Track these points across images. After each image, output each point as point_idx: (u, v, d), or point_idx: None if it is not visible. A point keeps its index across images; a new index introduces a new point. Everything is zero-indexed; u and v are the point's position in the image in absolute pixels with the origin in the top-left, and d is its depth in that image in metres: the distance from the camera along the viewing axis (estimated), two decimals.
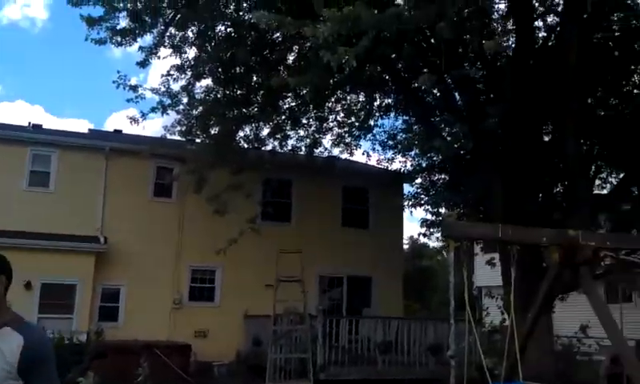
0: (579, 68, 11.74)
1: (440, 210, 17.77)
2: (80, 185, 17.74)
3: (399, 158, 18.83)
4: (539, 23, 14.54)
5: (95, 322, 16.66)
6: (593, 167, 15.08)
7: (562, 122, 12.53)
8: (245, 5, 14.24)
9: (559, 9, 13.70)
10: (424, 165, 18.26)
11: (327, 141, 18.45)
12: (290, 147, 17.77)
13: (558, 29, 13.52)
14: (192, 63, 14.85)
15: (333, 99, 16.94)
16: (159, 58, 14.66)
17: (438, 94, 14.57)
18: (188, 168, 15.76)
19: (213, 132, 15.74)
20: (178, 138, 16.20)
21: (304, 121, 17.41)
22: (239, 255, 16.33)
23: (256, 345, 16.25)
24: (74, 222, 17.21)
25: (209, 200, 14.74)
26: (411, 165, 18.64)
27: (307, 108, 16.61)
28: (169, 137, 16.09)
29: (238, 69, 14.53)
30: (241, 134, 16.61)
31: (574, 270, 7.33)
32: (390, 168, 19.30)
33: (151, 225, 18.03)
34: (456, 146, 13.40)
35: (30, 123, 20.65)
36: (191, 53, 15.06)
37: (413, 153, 18.15)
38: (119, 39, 13.61)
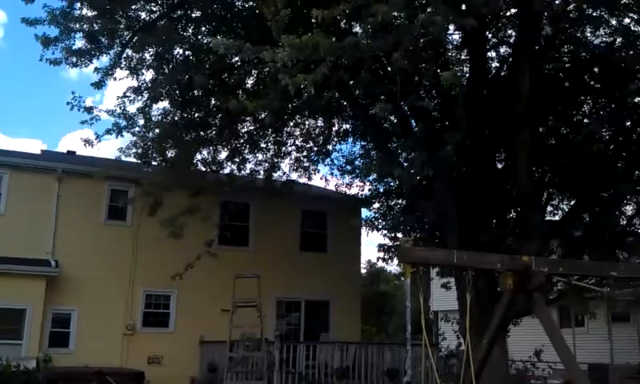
0: (531, 98, 12.07)
1: (397, 235, 17.93)
2: (31, 207, 17.25)
3: (357, 182, 18.98)
4: (492, 54, 14.97)
5: (45, 349, 16.13)
6: (545, 194, 15.46)
7: (515, 150, 12.83)
8: (203, 29, 14.26)
9: (511, 40, 14.12)
10: (381, 190, 18.44)
11: (286, 165, 18.49)
12: (248, 171, 17.71)
13: (511, 60, 13.91)
14: (149, 85, 14.72)
15: (291, 124, 17.01)
16: (115, 79, 14.53)
17: (395, 121, 14.78)
18: (143, 191, 15.51)
19: (170, 155, 15.58)
20: (134, 160, 15.98)
21: (262, 145, 17.41)
22: (195, 280, 16.10)
23: (211, 371, 15.96)
24: (24, 245, 16.74)
25: (164, 223, 14.52)
26: (369, 190, 18.80)
27: (266, 132, 16.63)
28: (124, 159, 15.85)
29: (195, 92, 14.48)
30: (198, 156, 16.47)
31: (527, 296, 7.46)
32: (348, 193, 19.41)
33: (104, 248, 17.64)
34: (413, 171, 13.56)
35: None
36: (148, 75, 14.97)
37: (371, 178, 18.32)
38: (75, 60, 13.43)
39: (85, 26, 13.09)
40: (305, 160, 18.25)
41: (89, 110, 14.21)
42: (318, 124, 17.54)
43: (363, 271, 34.67)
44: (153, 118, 15.29)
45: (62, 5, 12.99)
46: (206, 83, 13.56)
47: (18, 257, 16.36)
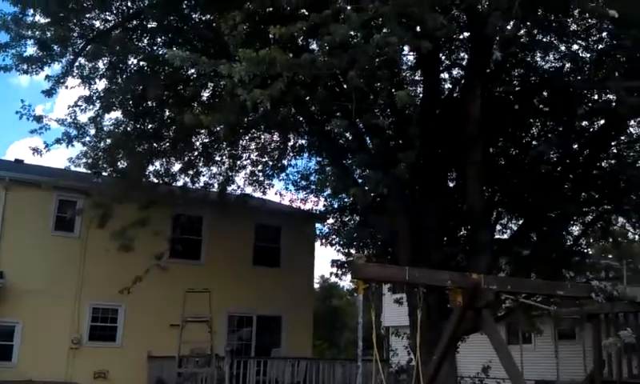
0: (482, 119, 12.36)
1: (351, 251, 18.03)
2: None
3: (312, 198, 19.03)
4: (445, 75, 15.30)
5: None
6: (494, 213, 15.82)
7: (466, 170, 13.10)
8: (159, 40, 14.12)
9: (464, 63, 14.45)
10: (336, 205, 18.53)
11: (240, 179, 18.39)
12: (202, 184, 17.56)
13: (463, 82, 14.23)
14: (101, 95, 14.46)
15: (247, 138, 16.95)
16: (67, 87, 14.23)
17: (351, 138, 14.91)
18: (93, 202, 15.18)
19: (121, 165, 15.30)
20: (84, 170, 15.65)
21: (217, 158, 17.28)
22: (144, 293, 15.83)
23: None
24: None
25: (113, 236, 14.24)
26: (323, 205, 18.87)
27: (221, 145, 16.52)
28: (74, 169, 15.50)
29: (149, 103, 14.29)
30: (151, 168, 16.24)
31: (476, 312, 7.61)
32: (302, 208, 19.44)
33: (51, 260, 17.18)
34: (367, 188, 13.68)
35: None
36: (101, 84, 14.70)
37: (325, 193, 18.39)
38: (25, 67, 13.11)
39: (37, 33, 12.82)
40: (260, 174, 18.20)
41: (38, 119, 13.87)
42: (274, 139, 17.55)
43: (316, 286, 34.73)
44: (104, 128, 15.01)
45: (14, 10, 12.68)
46: (160, 95, 13.42)
47: None
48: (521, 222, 16.53)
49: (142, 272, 14.64)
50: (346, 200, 17.48)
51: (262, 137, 17.40)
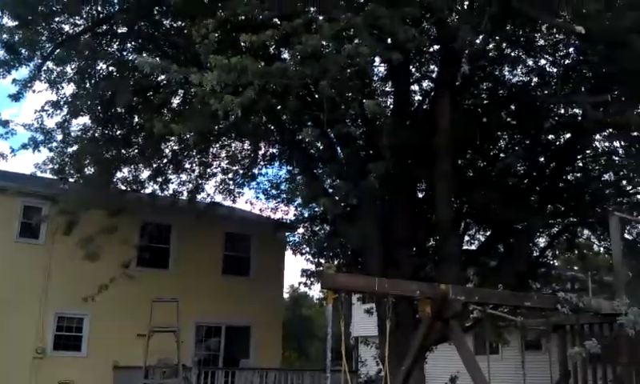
0: (451, 131, 12.50)
1: (321, 260, 18.02)
2: None
3: (282, 207, 18.99)
4: (416, 87, 15.44)
5: None
6: (462, 224, 15.98)
7: (435, 181, 13.21)
8: (129, 45, 13.98)
9: (434, 75, 14.61)
10: (306, 215, 18.52)
11: (210, 187, 18.26)
12: (171, 191, 17.37)
13: (432, 94, 14.37)
14: (69, 100, 14.24)
15: (217, 145, 16.85)
16: (34, 91, 13.97)
17: (322, 147, 14.94)
18: (59, 208, 14.90)
19: (88, 172, 15.07)
20: (50, 176, 15.37)
21: (187, 165, 17.14)
22: (111, 302, 15.57)
23: None
24: None
25: (80, 243, 14.00)
26: (294, 214, 18.84)
27: (190, 153, 16.39)
28: (40, 175, 15.21)
29: (118, 109, 14.11)
30: (119, 175, 16.03)
31: (444, 323, 7.66)
32: (272, 217, 19.37)
33: (15, 268, 16.82)
34: (337, 198, 13.70)
35: None
36: (69, 89, 14.48)
37: (296, 203, 18.37)
38: None
39: (4, 36, 12.60)
40: (230, 183, 18.10)
41: (4, 123, 13.61)
42: (245, 147, 17.48)
43: (286, 296, 34.58)
44: (72, 134, 14.77)
45: None
46: (129, 100, 13.26)
47: None
48: (488, 233, 16.74)
49: (109, 280, 14.40)
50: (316, 209, 17.48)
51: (233, 145, 17.33)
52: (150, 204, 16.57)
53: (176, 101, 14.35)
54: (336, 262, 17.39)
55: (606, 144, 15.21)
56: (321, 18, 9.25)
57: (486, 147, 15.51)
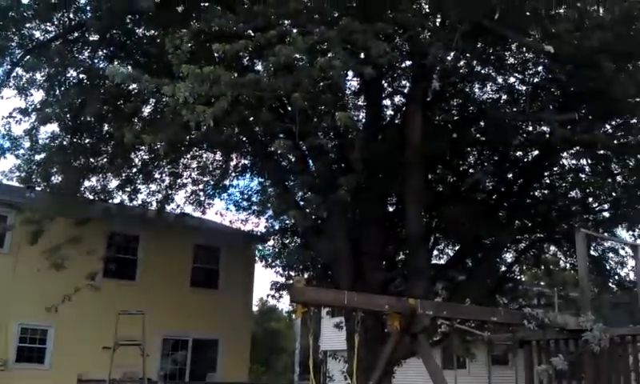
0: (422, 146, 12.61)
1: (291, 273, 17.96)
2: None
3: (253, 219, 18.90)
4: (388, 102, 15.56)
5: None
6: (432, 238, 16.09)
7: (405, 195, 13.30)
8: (100, 53, 13.83)
9: (406, 91, 14.75)
10: (277, 227, 18.46)
11: (180, 197, 18.10)
12: (139, 201, 17.15)
13: (404, 109, 14.50)
14: (38, 107, 14.01)
15: (188, 156, 16.72)
16: (2, 98, 13.75)
17: (294, 159, 14.94)
18: (24, 217, 14.60)
19: (55, 180, 14.81)
20: (16, 184, 15.07)
21: (157, 175, 16.95)
22: (76, 314, 15.31)
23: None
24: None
25: (45, 253, 13.72)
26: (264, 226, 18.77)
27: (161, 162, 16.23)
28: (6, 182, 14.92)
29: (88, 117, 13.93)
30: (87, 184, 15.78)
31: (413, 337, 7.68)
32: (243, 229, 19.26)
33: None
34: (308, 211, 13.71)
35: None
36: (38, 96, 14.26)
37: (267, 215, 18.31)
38: None
39: None
40: (200, 193, 17.96)
41: None
42: (216, 158, 17.38)
43: (255, 308, 34.36)
44: (40, 141, 14.53)
45: None
46: (99, 109, 13.10)
47: None
48: (457, 247, 16.89)
49: (74, 291, 14.14)
50: (287, 222, 17.44)
51: (204, 155, 17.22)
52: (118, 214, 16.33)
53: (147, 109, 14.23)
54: (306, 275, 17.37)
55: (573, 161, 15.51)
56: (295, 31, 9.29)
57: (456, 162, 15.67)
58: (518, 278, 19.28)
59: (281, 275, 18.45)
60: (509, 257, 17.57)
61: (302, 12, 10.23)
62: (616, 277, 17.01)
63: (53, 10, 12.77)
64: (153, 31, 13.14)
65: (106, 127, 14.42)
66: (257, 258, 20.17)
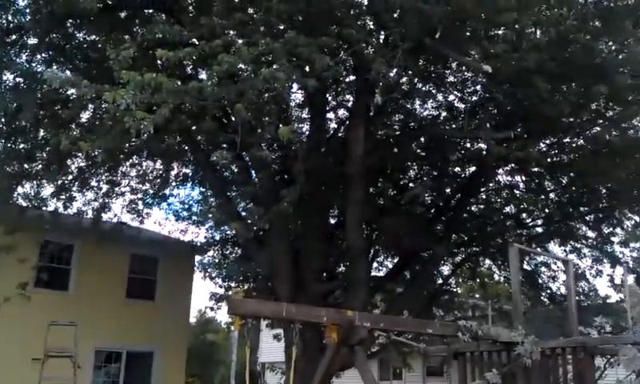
0: (363, 159, 12.78)
1: (231, 284, 17.80)
2: None
3: (193, 229, 18.66)
4: (331, 115, 15.72)
5: None
6: (372, 250, 16.29)
7: (347, 208, 13.43)
8: (39, 56, 13.41)
9: (349, 104, 14.94)
10: (217, 238, 18.28)
11: (117, 206, 17.68)
12: (75, 210, 16.65)
13: (347, 122, 14.68)
14: None
15: (127, 164, 16.38)
16: None
17: (236, 170, 14.86)
18: None
19: None
20: None
21: (93, 183, 16.51)
22: (5, 324, 14.75)
23: None
24: None
25: None
26: (205, 237, 18.55)
27: (98, 170, 15.84)
28: None
29: (23, 121, 13.46)
30: (20, 190, 15.23)
31: (350, 349, 7.75)
32: (182, 239, 18.98)
33: None
34: (249, 222, 13.65)
35: None
36: None
37: (207, 225, 18.11)
38: None
39: None
40: (139, 202, 17.59)
41: None
42: (156, 166, 17.09)
43: (193, 320, 33.83)
44: None
45: None
46: (35, 114, 12.68)
47: None
48: (396, 260, 17.15)
49: (3, 300, 13.60)
50: (228, 232, 17.31)
51: (144, 164, 16.91)
52: (52, 222, 15.80)
53: (86, 116, 13.87)
54: (246, 287, 17.26)
55: (508, 178, 15.99)
56: (240, 41, 9.29)
57: (397, 176, 15.95)
58: (454, 290, 19.72)
59: (220, 286, 18.29)
60: (445, 269, 17.96)
61: (248, 23, 10.24)
62: (548, 290, 17.63)
63: None
64: (94, 36, 12.86)
65: (42, 133, 13.97)
66: (196, 269, 19.88)
